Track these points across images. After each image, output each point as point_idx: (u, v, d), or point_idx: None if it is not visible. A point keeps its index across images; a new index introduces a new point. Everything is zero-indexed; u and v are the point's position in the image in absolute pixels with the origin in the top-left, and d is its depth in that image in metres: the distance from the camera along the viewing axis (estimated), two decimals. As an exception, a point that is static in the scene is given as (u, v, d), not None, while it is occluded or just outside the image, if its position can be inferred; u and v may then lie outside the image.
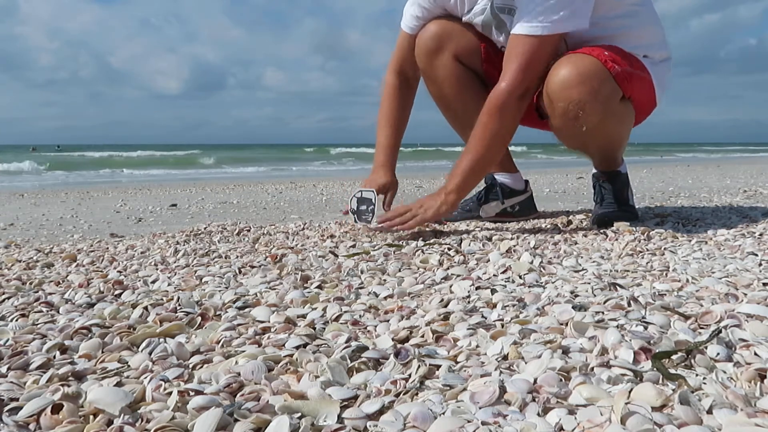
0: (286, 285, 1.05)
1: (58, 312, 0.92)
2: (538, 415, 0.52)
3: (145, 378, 0.62)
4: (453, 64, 1.68)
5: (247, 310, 0.89)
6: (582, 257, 1.21)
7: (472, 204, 1.81)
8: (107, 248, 1.58)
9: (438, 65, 1.68)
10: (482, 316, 0.81)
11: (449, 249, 1.29)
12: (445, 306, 0.87)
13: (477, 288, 0.97)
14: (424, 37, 1.68)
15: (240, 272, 1.19)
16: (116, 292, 1.04)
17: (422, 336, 0.74)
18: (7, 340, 0.77)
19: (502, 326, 0.76)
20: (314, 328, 0.79)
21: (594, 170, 1.77)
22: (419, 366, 0.62)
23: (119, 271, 1.24)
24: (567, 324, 0.73)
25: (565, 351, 0.66)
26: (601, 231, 1.50)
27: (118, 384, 0.61)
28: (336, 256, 1.32)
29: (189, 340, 0.77)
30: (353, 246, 1.42)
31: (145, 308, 0.90)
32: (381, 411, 0.54)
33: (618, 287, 0.93)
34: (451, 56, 1.67)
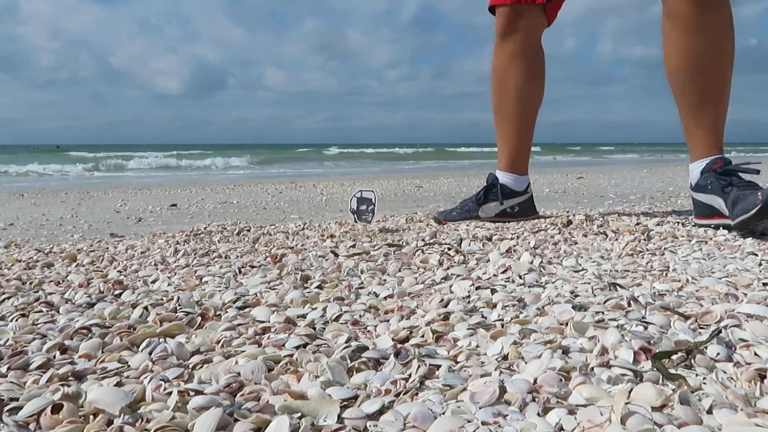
0: (286, 285, 1.05)
1: (58, 312, 0.92)
2: (538, 415, 0.52)
3: (145, 378, 0.62)
4: (526, 47, 1.70)
5: (247, 310, 0.89)
6: (582, 257, 1.21)
7: (471, 204, 1.80)
8: (107, 248, 1.58)
9: (515, 40, 1.67)
10: (482, 316, 0.81)
11: (449, 249, 1.29)
12: (445, 306, 0.87)
13: (477, 288, 0.97)
14: (500, 12, 1.66)
15: (240, 272, 1.19)
16: (116, 292, 1.04)
17: (422, 336, 0.74)
18: (7, 340, 0.77)
19: (502, 326, 0.76)
20: (314, 328, 0.79)
21: (698, 164, 1.46)
22: (419, 366, 0.62)
23: (119, 271, 1.24)
24: (567, 324, 0.73)
25: (565, 351, 0.66)
26: (601, 231, 1.50)
27: (118, 384, 0.61)
28: (336, 256, 1.31)
29: (189, 340, 0.77)
30: (353, 246, 1.42)
31: (145, 308, 0.90)
32: (381, 411, 0.54)
33: (618, 287, 0.93)
34: (524, 39, 1.67)
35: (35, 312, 0.91)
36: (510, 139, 1.77)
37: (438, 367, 0.64)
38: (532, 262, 1.14)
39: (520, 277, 1.04)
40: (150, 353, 0.70)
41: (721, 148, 1.45)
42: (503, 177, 1.80)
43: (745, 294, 0.85)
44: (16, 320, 0.87)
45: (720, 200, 1.38)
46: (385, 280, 1.07)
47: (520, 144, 1.78)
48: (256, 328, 0.79)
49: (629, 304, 0.81)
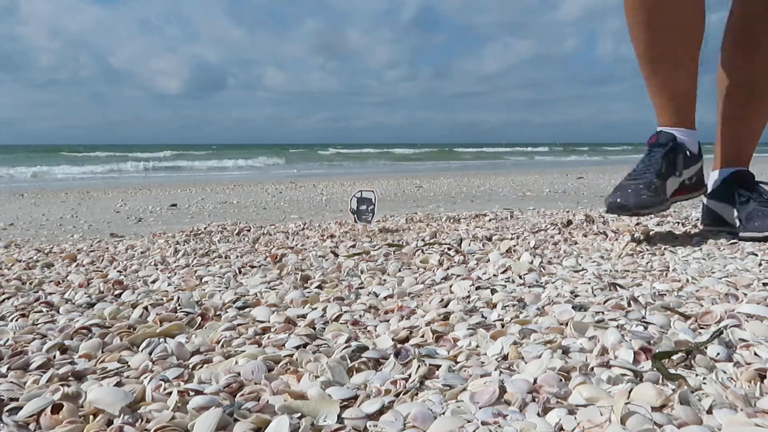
0: (286, 285, 1.05)
1: (58, 312, 0.92)
2: (538, 415, 0.52)
3: (145, 378, 0.62)
4: None
5: (247, 310, 0.89)
6: (582, 257, 1.21)
7: (656, 180, 1.29)
8: (107, 248, 1.58)
9: None
10: (482, 316, 0.81)
11: (449, 249, 1.29)
12: (445, 306, 0.87)
13: (477, 288, 0.97)
14: None
15: (240, 272, 1.19)
16: (116, 292, 1.04)
17: (422, 336, 0.74)
18: (7, 340, 0.77)
19: (502, 326, 0.76)
20: (314, 328, 0.79)
21: (720, 172, 1.37)
22: (419, 366, 0.62)
23: (119, 271, 1.25)
24: (567, 324, 0.73)
25: (565, 351, 0.66)
26: (601, 231, 1.50)
27: (118, 384, 0.61)
28: (336, 256, 1.32)
29: (189, 340, 0.77)
30: (353, 246, 1.42)
31: (145, 308, 0.90)
32: (381, 411, 0.54)
33: (618, 287, 0.93)
34: None
35: (35, 312, 0.91)
36: (672, 84, 1.33)
37: (438, 367, 0.64)
38: (532, 262, 1.14)
39: (520, 277, 1.04)
40: (150, 353, 0.70)
41: (748, 162, 1.38)
42: (679, 135, 1.34)
43: (745, 294, 0.85)
44: (16, 320, 0.87)
45: (732, 210, 1.33)
46: (385, 280, 1.07)
47: (685, 89, 1.34)
48: (256, 328, 0.79)
49: (629, 304, 0.81)
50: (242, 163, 12.87)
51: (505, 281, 1.02)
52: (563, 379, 0.58)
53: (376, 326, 0.80)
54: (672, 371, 0.59)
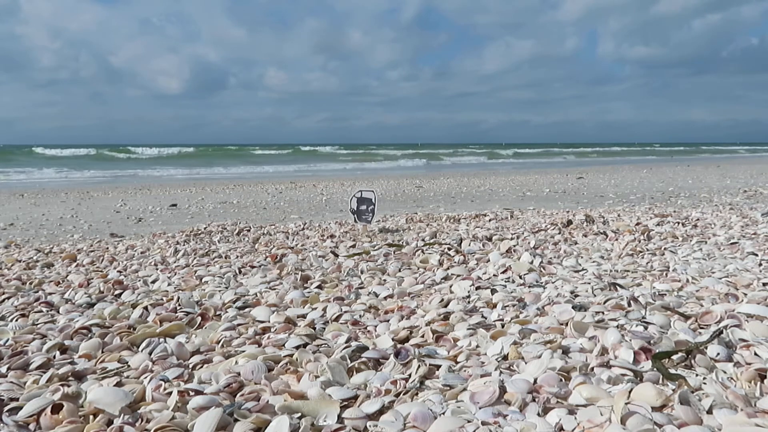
0: (286, 285, 1.05)
1: (58, 312, 0.92)
2: (538, 415, 0.52)
3: (145, 378, 0.62)
4: None
5: (247, 310, 0.90)
6: (582, 257, 1.22)
7: None
8: (107, 248, 1.59)
9: None
10: (482, 316, 0.81)
11: (449, 249, 1.29)
12: (445, 306, 0.87)
13: (477, 288, 0.97)
14: None
15: (240, 272, 1.20)
16: (116, 292, 1.05)
17: (422, 336, 0.74)
18: (7, 340, 0.77)
19: (502, 326, 0.76)
20: (314, 328, 0.79)
21: None
22: (419, 366, 0.62)
23: (119, 271, 1.25)
24: (567, 324, 0.73)
25: (565, 351, 0.66)
26: (601, 231, 1.51)
27: (118, 384, 0.61)
28: (336, 256, 1.32)
29: (189, 340, 0.77)
30: (353, 246, 1.43)
31: (145, 308, 0.90)
32: (381, 411, 0.54)
33: (618, 287, 0.93)
34: None
35: (35, 312, 0.91)
36: None
37: (438, 367, 0.64)
38: (532, 262, 1.14)
39: (520, 277, 1.04)
40: (150, 353, 0.70)
41: None
42: None
43: (745, 294, 0.85)
44: (16, 320, 0.87)
45: None
46: (385, 280, 1.07)
47: None
48: (256, 328, 0.79)
49: (629, 304, 0.81)
50: (386, 165, 12.43)
51: (505, 281, 1.02)
52: (563, 379, 0.58)
53: (376, 326, 0.80)
54: (672, 371, 0.59)
